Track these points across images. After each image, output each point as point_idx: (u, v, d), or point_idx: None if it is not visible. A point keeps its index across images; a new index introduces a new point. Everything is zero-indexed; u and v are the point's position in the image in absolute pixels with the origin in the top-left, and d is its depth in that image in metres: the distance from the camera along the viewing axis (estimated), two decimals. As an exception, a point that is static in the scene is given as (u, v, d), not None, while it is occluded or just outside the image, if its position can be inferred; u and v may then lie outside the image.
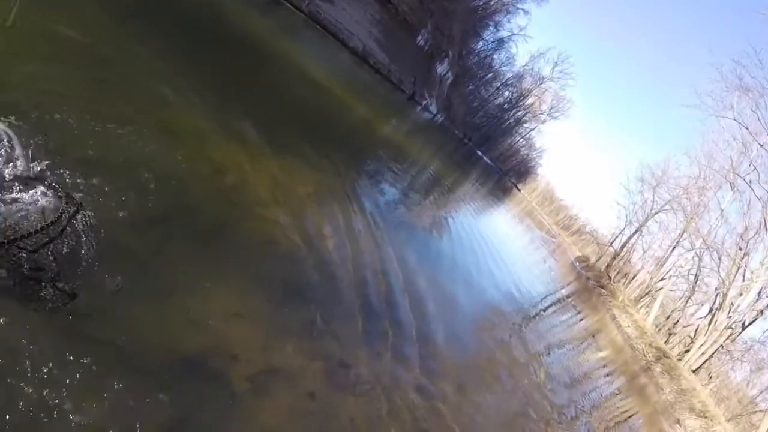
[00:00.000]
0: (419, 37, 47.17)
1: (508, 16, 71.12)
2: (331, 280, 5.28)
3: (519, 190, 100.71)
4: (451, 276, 9.40)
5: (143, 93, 5.50)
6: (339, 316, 4.88)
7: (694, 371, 32.54)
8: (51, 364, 2.31)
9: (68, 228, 2.78)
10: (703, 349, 33.70)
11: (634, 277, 53.75)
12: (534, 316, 12.86)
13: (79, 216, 2.91)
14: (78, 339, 2.55)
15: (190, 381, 2.97)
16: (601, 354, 18.03)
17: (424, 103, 52.45)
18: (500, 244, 18.49)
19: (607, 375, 15.45)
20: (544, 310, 14.89)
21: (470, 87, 77.59)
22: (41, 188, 2.92)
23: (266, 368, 3.56)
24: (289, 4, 23.88)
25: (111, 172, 3.69)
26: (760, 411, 31.69)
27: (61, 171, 3.27)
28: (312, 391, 3.79)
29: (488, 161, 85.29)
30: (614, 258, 57.07)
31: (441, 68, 57.70)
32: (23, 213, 2.73)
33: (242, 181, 5.44)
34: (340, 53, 28.29)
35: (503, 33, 74.89)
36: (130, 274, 3.12)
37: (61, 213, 2.77)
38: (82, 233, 2.94)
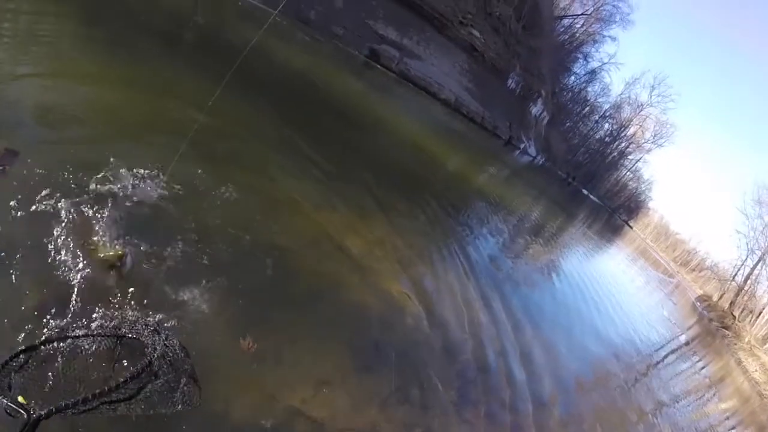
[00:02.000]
0: (509, 81, 46.83)
1: (596, 45, 69.31)
2: (427, 343, 5.03)
3: (631, 227, 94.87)
4: (558, 329, 8.71)
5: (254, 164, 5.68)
6: (436, 381, 4.57)
7: None
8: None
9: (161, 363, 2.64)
10: None
11: (760, 314, 47.58)
12: (651, 368, 11.70)
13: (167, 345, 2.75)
14: None
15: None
16: (727, 404, 15.88)
17: (522, 146, 51.47)
18: (612, 289, 17.14)
19: (734, 428, 13.52)
20: (662, 360, 13.48)
21: (568, 124, 75.51)
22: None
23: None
24: (380, 66, 24.49)
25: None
26: None
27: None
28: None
29: (595, 199, 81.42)
30: (738, 294, 50.91)
31: (535, 109, 56.69)
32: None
33: (340, 247, 5.40)
34: (432, 106, 28.52)
35: (594, 64, 72.75)
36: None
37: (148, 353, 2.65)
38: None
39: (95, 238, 3.20)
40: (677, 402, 10.58)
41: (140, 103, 5.46)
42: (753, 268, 51.40)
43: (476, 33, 37.60)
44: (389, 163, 10.61)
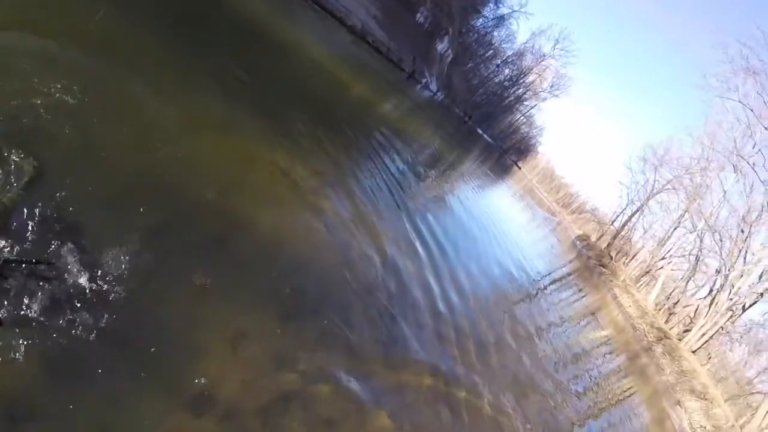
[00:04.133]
0: (418, 15, 46.69)
1: (509, -8, 70.08)
2: (344, 280, 5.21)
3: (519, 168, 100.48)
4: (462, 255, 9.52)
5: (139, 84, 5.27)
6: (353, 317, 4.88)
7: (693, 352, 32.87)
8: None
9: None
10: (703, 330, 34.07)
11: (634, 257, 54.08)
12: (537, 293, 12.97)
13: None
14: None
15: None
16: (603, 332, 18.17)
17: (424, 81, 51.95)
18: (502, 221, 18.51)
19: (609, 354, 15.57)
20: (547, 287, 15.00)
21: (470, 65, 76.73)
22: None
23: (278, 395, 3.46)
24: (285, -18, 23.51)
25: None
26: (759, 393, 32.06)
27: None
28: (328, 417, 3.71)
29: (489, 139, 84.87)
30: (615, 237, 57.34)
31: (441, 46, 57.09)
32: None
33: (243, 180, 5.28)
34: (338, 32, 27.95)
35: (504, 10, 73.64)
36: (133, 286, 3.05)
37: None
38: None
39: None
40: (559, 325, 11.74)
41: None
42: (631, 216, 57.74)
43: (389, -40, 36.85)
44: (293, 87, 10.44)
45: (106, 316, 2.73)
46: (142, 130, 4.46)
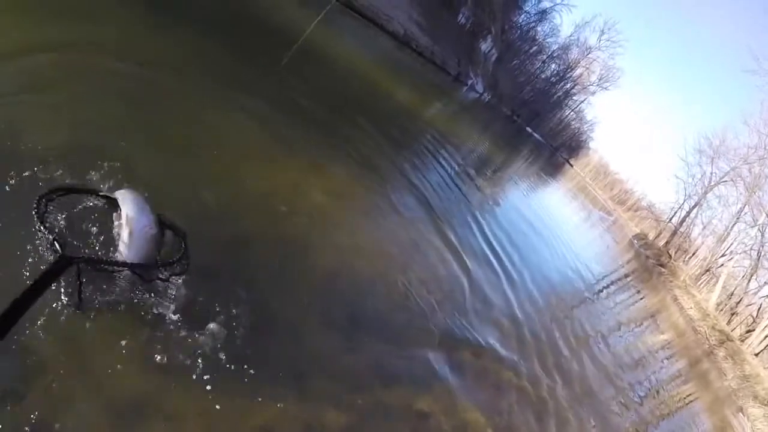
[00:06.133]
0: (460, 16, 46.32)
1: (549, -16, 68.88)
2: (405, 296, 5.04)
3: (571, 166, 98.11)
4: (521, 260, 9.30)
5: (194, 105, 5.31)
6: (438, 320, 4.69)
7: (756, 354, 31.08)
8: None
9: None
10: (767, 330, 32.11)
11: (694, 254, 51.66)
12: (595, 297, 12.60)
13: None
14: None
15: None
16: (663, 336, 17.39)
17: (469, 82, 51.51)
18: (556, 223, 17.99)
19: (669, 358, 14.90)
20: (604, 290, 14.51)
21: (515, 62, 75.64)
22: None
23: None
24: (324, -7, 23.66)
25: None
26: None
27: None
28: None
29: (539, 137, 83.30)
30: (673, 234, 54.96)
31: (485, 45, 56.50)
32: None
33: (294, 199, 5.06)
34: (380, 38, 27.94)
35: (545, 3, 72.56)
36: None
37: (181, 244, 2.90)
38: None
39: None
40: (617, 330, 11.40)
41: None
42: (689, 212, 55.53)
43: (427, -37, 36.71)
44: (341, 97, 10.44)
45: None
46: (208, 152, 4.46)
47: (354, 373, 3.62)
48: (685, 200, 58.05)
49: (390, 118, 12.10)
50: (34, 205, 2.36)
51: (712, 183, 53.48)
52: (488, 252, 8.37)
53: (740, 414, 20.80)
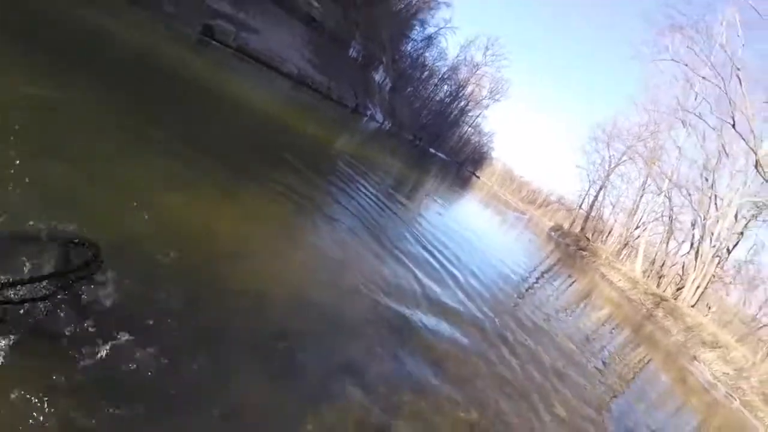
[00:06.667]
0: (351, 50, 47.53)
1: (431, 12, 72.67)
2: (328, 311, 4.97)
3: (478, 177, 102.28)
4: (446, 260, 9.59)
5: (91, 146, 5.10)
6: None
7: (692, 306, 33.40)
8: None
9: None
10: (696, 283, 34.73)
11: (610, 233, 55.47)
12: (531, 288, 13.25)
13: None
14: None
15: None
16: (603, 312, 18.38)
17: (368, 113, 52.69)
18: (477, 229, 18.67)
19: (614, 329, 15.79)
20: (538, 281, 15.25)
21: (409, 89, 78.50)
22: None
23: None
24: (216, 42, 23.67)
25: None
26: (766, 326, 32.83)
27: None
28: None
29: (443, 156, 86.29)
30: (586, 219, 58.82)
31: (378, 76, 58.21)
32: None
33: (211, 235, 4.83)
34: (277, 80, 28.18)
35: (430, 29, 76.46)
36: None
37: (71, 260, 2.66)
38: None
39: None
40: (561, 313, 12.06)
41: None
42: (596, 196, 59.32)
43: (315, 3, 37.53)
44: (242, 137, 10.34)
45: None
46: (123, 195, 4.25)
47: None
48: (590, 186, 62.38)
49: (302, 150, 12.24)
50: None
51: (612, 165, 57.60)
52: (427, 256, 8.91)
53: (695, 362, 22.24)
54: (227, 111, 11.82)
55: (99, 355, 2.53)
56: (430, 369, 4.89)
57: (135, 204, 4.27)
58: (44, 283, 2.44)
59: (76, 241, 2.78)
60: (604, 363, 10.08)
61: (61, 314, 2.58)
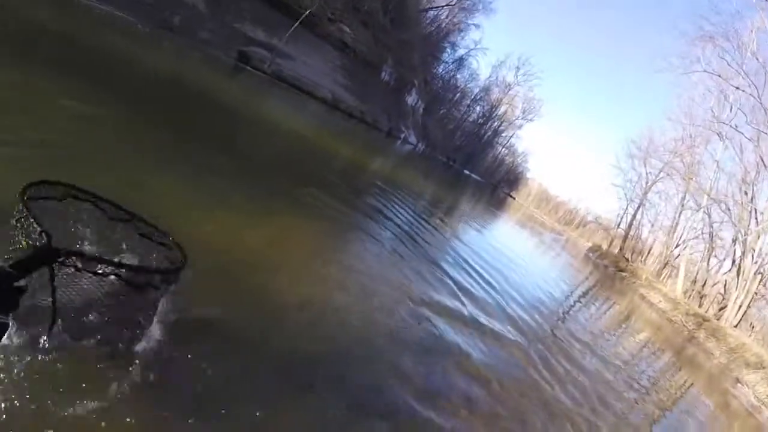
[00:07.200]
0: (383, 73, 47.92)
1: (461, 34, 73.21)
2: (378, 336, 4.79)
3: (514, 198, 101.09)
4: (488, 284, 9.25)
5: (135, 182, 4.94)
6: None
7: (735, 326, 31.77)
8: None
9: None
10: (738, 302, 33.03)
11: (649, 252, 53.43)
12: (568, 312, 12.70)
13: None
14: None
15: None
16: (643, 335, 17.57)
17: (402, 136, 52.84)
18: (512, 251, 18.17)
19: (654, 353, 15.06)
20: (575, 305, 14.67)
21: (442, 111, 78.68)
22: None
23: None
24: (251, 68, 24.03)
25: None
26: None
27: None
28: None
29: (477, 177, 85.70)
30: (625, 239, 56.77)
31: (410, 99, 58.49)
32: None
33: (246, 251, 4.75)
34: (311, 104, 28.44)
35: (461, 51, 76.81)
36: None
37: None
38: None
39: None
40: (600, 338, 11.50)
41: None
42: (635, 215, 57.48)
43: (346, 29, 38.04)
44: (278, 158, 10.37)
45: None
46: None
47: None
48: (628, 205, 60.48)
49: (336, 174, 12.11)
50: (19, 193, 2.05)
51: (649, 182, 55.94)
52: (472, 280, 8.66)
53: (738, 384, 21.01)
54: (263, 133, 11.87)
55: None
56: (469, 386, 4.68)
57: (170, 218, 4.08)
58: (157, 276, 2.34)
59: (168, 241, 2.77)
60: (644, 387, 9.54)
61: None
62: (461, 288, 7.78)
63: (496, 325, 7.07)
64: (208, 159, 7.00)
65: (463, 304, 6.98)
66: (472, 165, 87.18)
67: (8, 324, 1.70)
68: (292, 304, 4.21)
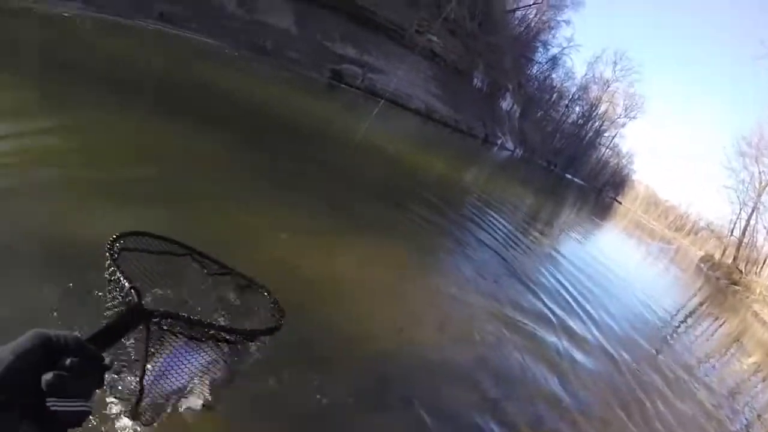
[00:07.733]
0: (475, 80, 47.10)
1: (552, 31, 70.40)
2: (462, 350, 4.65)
3: (620, 203, 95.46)
4: (585, 303, 8.75)
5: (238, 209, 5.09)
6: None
7: None
8: None
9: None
10: None
11: (765, 263, 47.78)
12: (672, 334, 11.59)
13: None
14: None
15: None
16: (752, 359, 15.53)
17: (499, 142, 51.61)
18: (616, 264, 16.90)
19: (764, 380, 13.24)
20: (680, 325, 13.30)
21: (539, 113, 76.08)
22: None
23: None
24: (345, 85, 24.35)
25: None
26: None
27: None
28: None
29: (580, 182, 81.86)
30: (739, 248, 51.22)
31: (505, 103, 57.05)
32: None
33: (337, 288, 4.64)
34: (405, 116, 28.43)
35: (553, 50, 73.80)
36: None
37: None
38: None
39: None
40: (704, 363, 10.43)
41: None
42: (749, 219, 51.97)
43: (434, 38, 37.74)
44: (374, 177, 10.39)
45: None
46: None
47: None
48: (741, 209, 54.71)
49: (433, 188, 11.84)
50: (108, 246, 1.75)
51: (763, 182, 50.47)
52: (568, 306, 8.12)
53: None
54: (356, 154, 11.84)
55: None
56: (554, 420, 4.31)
57: (262, 242, 4.48)
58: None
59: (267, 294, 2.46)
60: (747, 422, 8.44)
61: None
62: (555, 315, 7.28)
63: (590, 360, 6.49)
64: (304, 182, 7.18)
65: (558, 337, 6.47)
66: (574, 168, 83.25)
67: (90, 411, 1.37)
68: (388, 328, 4.27)
